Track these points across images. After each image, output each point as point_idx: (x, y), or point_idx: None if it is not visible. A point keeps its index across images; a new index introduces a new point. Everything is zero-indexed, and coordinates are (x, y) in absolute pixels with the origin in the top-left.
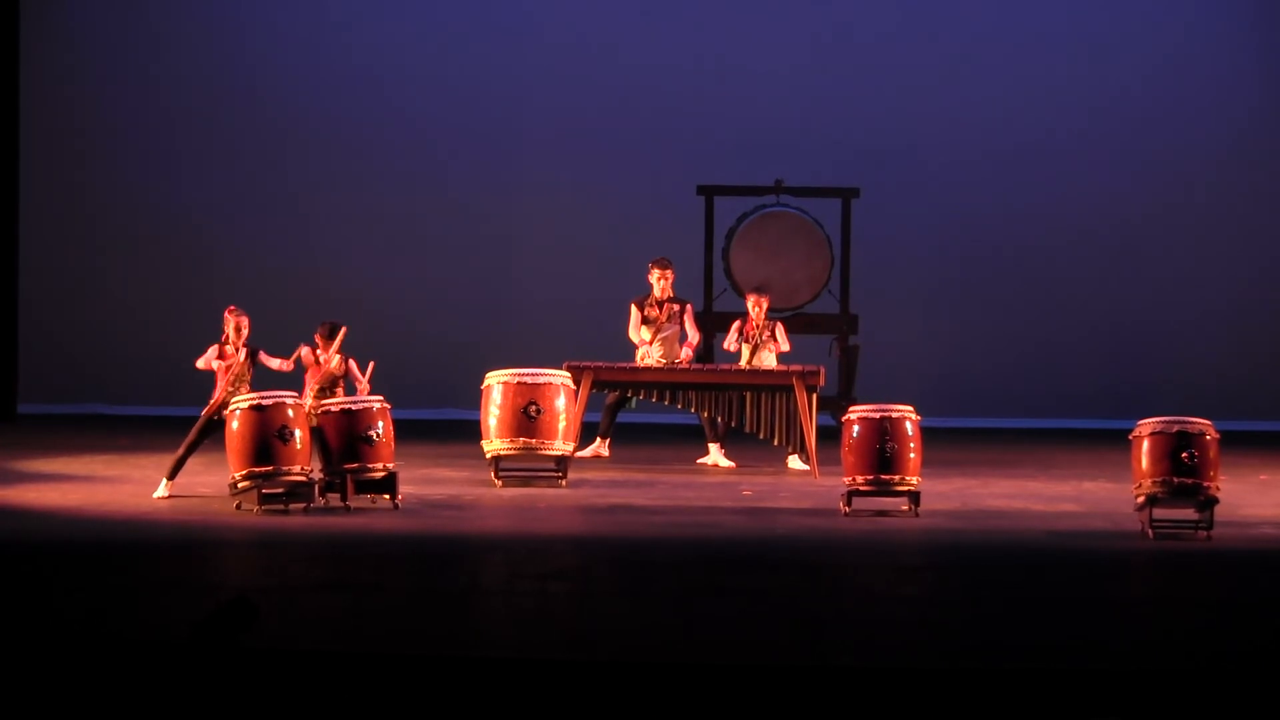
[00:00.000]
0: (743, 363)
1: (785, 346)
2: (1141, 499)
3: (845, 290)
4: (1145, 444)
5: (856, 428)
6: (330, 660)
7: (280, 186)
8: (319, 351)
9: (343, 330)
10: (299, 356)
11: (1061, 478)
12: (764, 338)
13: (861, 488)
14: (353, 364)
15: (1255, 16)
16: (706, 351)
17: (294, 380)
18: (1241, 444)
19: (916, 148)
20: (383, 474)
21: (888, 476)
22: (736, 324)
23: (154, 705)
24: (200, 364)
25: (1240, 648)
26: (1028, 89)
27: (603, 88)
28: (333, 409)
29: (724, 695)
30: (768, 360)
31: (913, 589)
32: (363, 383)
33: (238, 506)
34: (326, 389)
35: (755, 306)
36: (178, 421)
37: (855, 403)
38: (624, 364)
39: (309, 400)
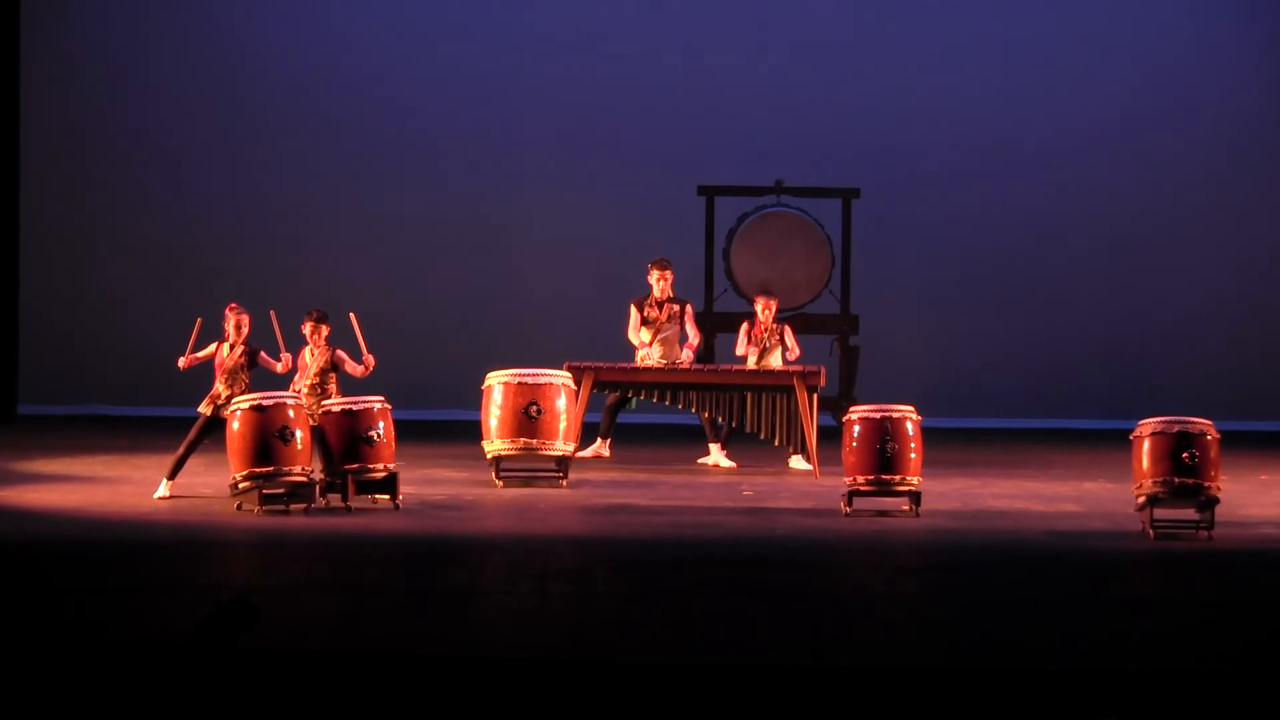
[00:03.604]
0: (752, 364)
1: (796, 351)
2: (1142, 499)
3: (846, 290)
4: (1146, 444)
5: (857, 428)
6: (330, 660)
7: (280, 187)
8: (311, 349)
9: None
10: (295, 359)
11: (1061, 478)
12: (772, 341)
13: (862, 488)
14: (341, 354)
15: (1256, 16)
16: (707, 352)
17: (291, 379)
18: (1242, 444)
19: (916, 148)
20: (383, 474)
21: (888, 476)
22: (745, 326)
23: (154, 706)
24: (183, 362)
25: (1240, 648)
26: (1028, 89)
27: (603, 87)
28: (333, 409)
29: (724, 695)
30: (776, 363)
31: (913, 589)
32: (361, 361)
33: (238, 507)
34: (318, 385)
35: (764, 310)
36: (178, 421)
37: (856, 403)
38: (625, 364)
39: (303, 385)
